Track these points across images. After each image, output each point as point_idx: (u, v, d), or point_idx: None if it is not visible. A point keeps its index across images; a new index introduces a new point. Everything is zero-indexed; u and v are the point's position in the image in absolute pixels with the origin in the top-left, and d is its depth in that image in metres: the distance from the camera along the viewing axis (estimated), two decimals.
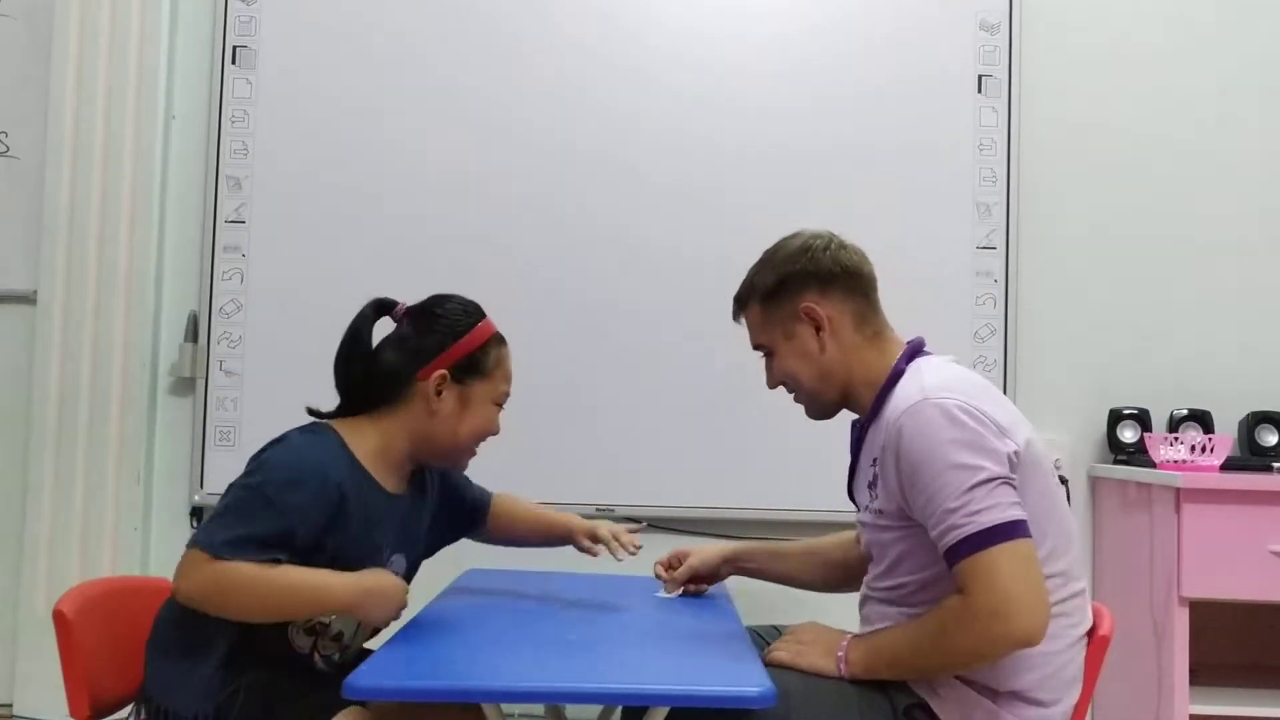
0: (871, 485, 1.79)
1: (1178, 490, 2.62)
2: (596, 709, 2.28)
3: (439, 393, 1.84)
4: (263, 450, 1.77)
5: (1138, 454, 2.98)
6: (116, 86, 3.07)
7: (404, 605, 1.79)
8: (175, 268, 3.15)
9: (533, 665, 1.60)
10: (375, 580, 1.76)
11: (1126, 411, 3.07)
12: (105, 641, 1.83)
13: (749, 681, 1.50)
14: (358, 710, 1.64)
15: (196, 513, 3.09)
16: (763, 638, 2.01)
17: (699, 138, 3.12)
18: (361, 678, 1.45)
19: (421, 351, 1.85)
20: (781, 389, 1.92)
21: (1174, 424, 3.04)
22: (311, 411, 1.89)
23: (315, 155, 3.11)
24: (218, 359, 3.08)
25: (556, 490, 3.03)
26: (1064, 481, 3.05)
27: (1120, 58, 3.20)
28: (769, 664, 1.70)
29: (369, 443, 1.84)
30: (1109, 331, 3.17)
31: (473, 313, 1.92)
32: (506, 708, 1.58)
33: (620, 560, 2.07)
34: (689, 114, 3.12)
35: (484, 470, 3.01)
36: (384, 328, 1.94)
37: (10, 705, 2.99)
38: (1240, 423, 3.08)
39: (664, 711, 1.55)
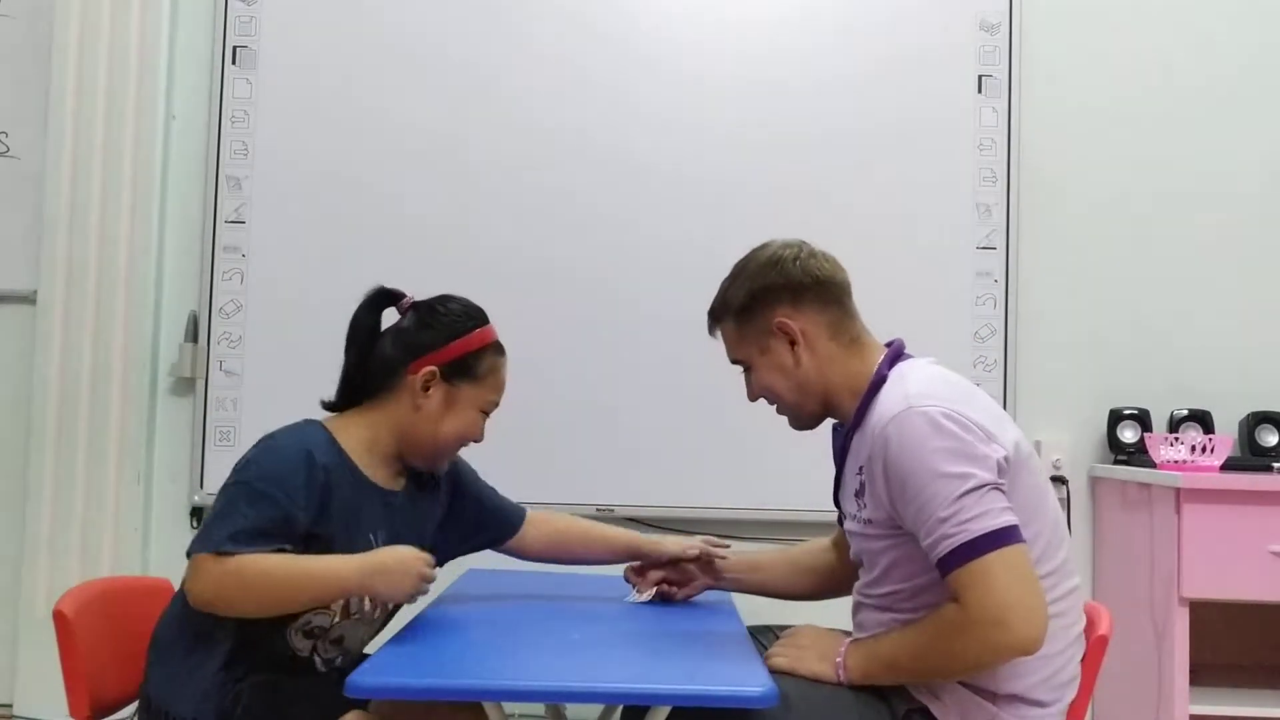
0: (859, 494, 1.78)
1: (1178, 490, 2.62)
2: (597, 709, 2.28)
3: (426, 388, 1.83)
4: (248, 452, 1.77)
5: (1138, 454, 2.98)
6: (117, 86, 3.07)
7: (425, 579, 1.74)
8: (175, 268, 3.15)
9: (534, 664, 1.60)
10: (387, 555, 1.73)
11: (1127, 411, 3.07)
12: (105, 641, 1.83)
13: (751, 682, 1.50)
14: (361, 714, 1.64)
15: (196, 513, 3.09)
16: (759, 640, 2.01)
17: (695, 140, 3.12)
18: (363, 676, 1.45)
19: (416, 345, 1.85)
20: (763, 401, 1.91)
21: (1174, 424, 3.04)
22: (323, 404, 1.90)
23: (315, 155, 3.11)
24: (218, 359, 3.08)
25: (557, 490, 3.04)
26: (1064, 481, 3.08)
27: (1120, 57, 3.20)
28: (767, 670, 1.70)
29: (356, 435, 1.84)
30: (1109, 331, 3.17)
31: (474, 316, 1.91)
32: (508, 707, 1.58)
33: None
34: (684, 116, 3.12)
35: (485, 471, 3.01)
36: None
37: (10, 705, 2.99)
38: (1240, 423, 3.09)
39: (665, 711, 1.55)
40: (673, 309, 3.07)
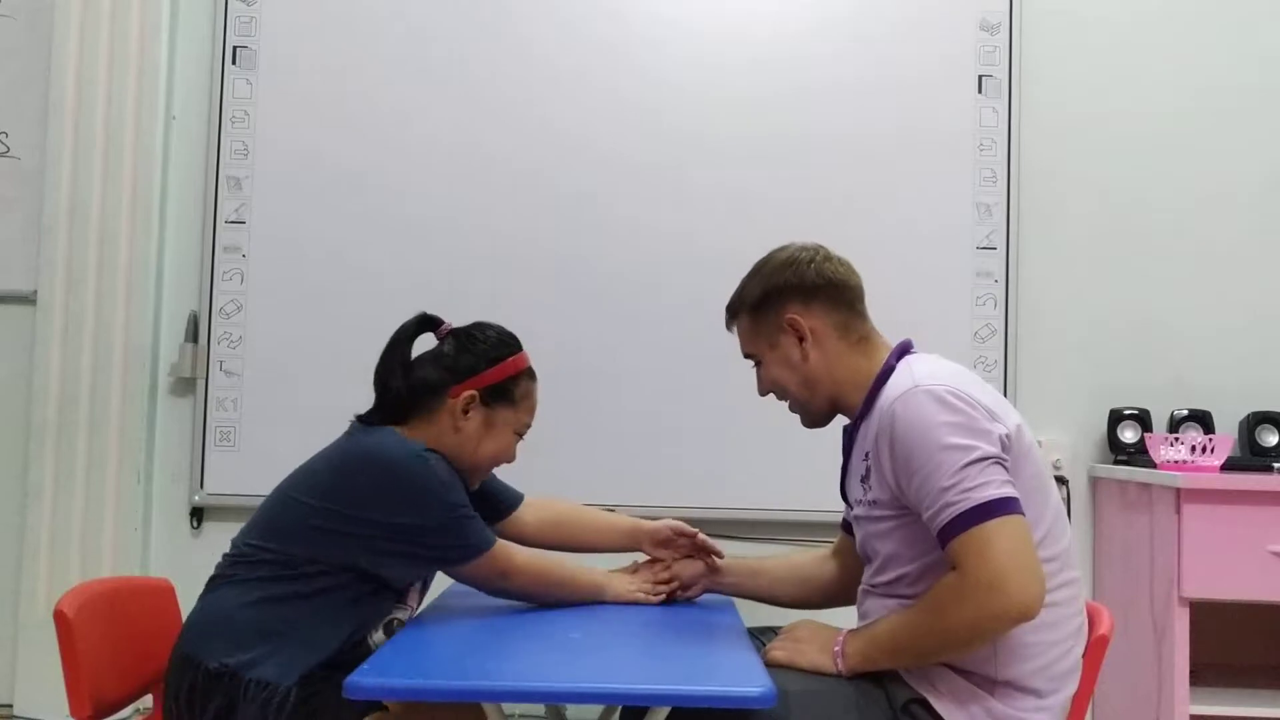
0: (864, 478, 1.81)
1: (1178, 490, 2.62)
2: (597, 709, 2.28)
3: (466, 411, 1.93)
4: (397, 477, 1.80)
5: (1138, 454, 2.98)
6: (117, 87, 3.07)
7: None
8: (175, 268, 3.15)
9: (533, 665, 1.60)
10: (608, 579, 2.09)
11: (1127, 412, 3.07)
12: (106, 641, 1.83)
13: (750, 681, 1.50)
14: (381, 714, 1.69)
15: (196, 513, 3.09)
16: (759, 640, 2.01)
17: (696, 142, 3.12)
18: (363, 677, 1.45)
19: (457, 370, 1.95)
20: (773, 396, 1.96)
21: (1174, 424, 3.04)
22: (360, 417, 1.98)
23: (316, 155, 3.11)
24: (218, 359, 3.08)
25: (557, 490, 3.03)
26: (1064, 481, 3.08)
27: (1121, 57, 3.20)
28: (766, 664, 1.71)
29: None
30: (1109, 332, 3.17)
31: (510, 343, 2.03)
32: (507, 707, 1.58)
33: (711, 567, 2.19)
34: (684, 119, 3.12)
35: None
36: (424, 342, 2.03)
37: (11, 705, 2.99)
38: (1241, 423, 3.08)
39: (664, 711, 1.55)
40: (673, 309, 3.08)
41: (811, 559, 2.20)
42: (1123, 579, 2.92)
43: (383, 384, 1.97)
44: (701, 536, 2.21)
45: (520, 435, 2.04)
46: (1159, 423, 3.08)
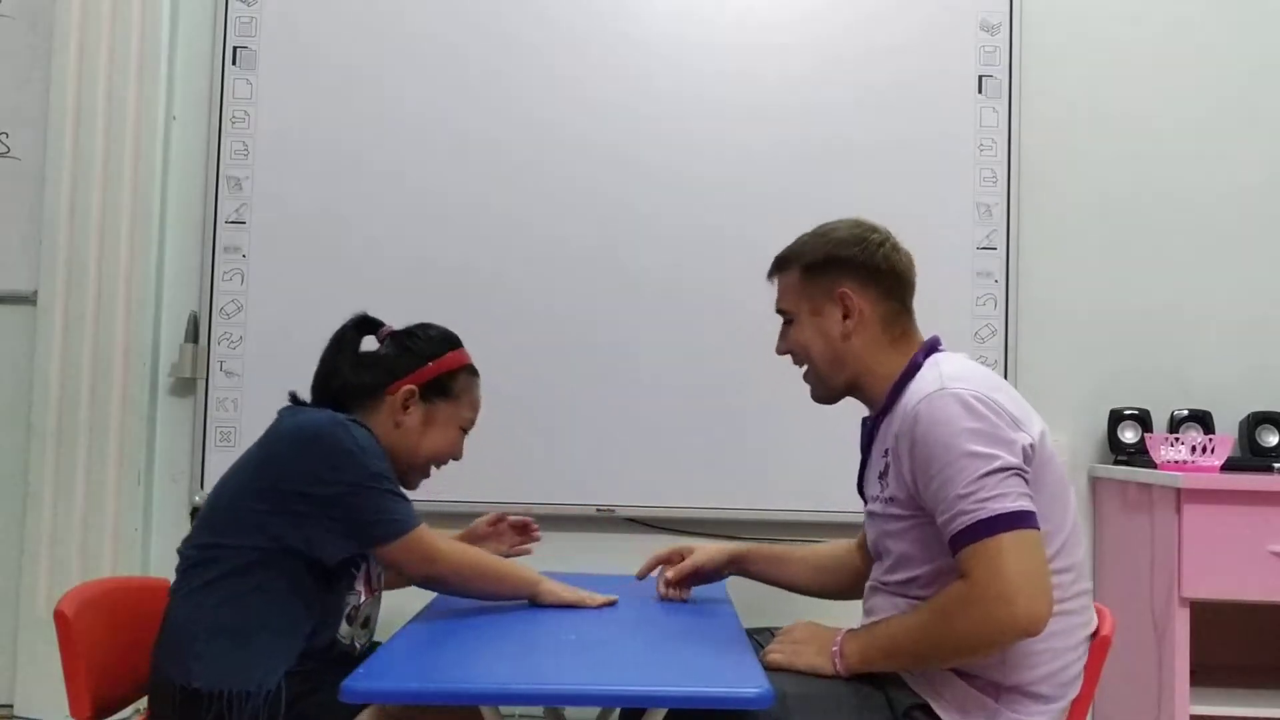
0: (883, 475, 1.80)
1: (1178, 491, 2.62)
2: (595, 710, 2.28)
3: (406, 407, 1.96)
4: (318, 444, 1.81)
5: (1138, 454, 2.98)
6: (117, 87, 3.07)
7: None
8: (176, 268, 3.15)
9: (531, 667, 1.60)
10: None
11: (1127, 412, 3.07)
12: (106, 641, 1.84)
13: (747, 682, 1.50)
14: (374, 710, 1.69)
15: (196, 513, 3.08)
16: (759, 642, 2.01)
17: (698, 139, 3.11)
18: (360, 680, 1.46)
19: (396, 368, 1.99)
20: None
21: (1175, 424, 3.04)
22: (294, 397, 1.99)
23: (316, 156, 3.11)
24: (218, 359, 3.08)
25: (557, 490, 3.04)
26: None
27: (1120, 58, 3.20)
28: (765, 666, 1.70)
29: None
30: (1109, 332, 3.17)
31: (450, 340, 2.07)
32: (505, 710, 1.58)
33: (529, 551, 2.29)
34: (687, 114, 3.12)
35: (486, 471, 3.02)
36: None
37: (11, 705, 3.00)
38: (1241, 423, 3.08)
39: (662, 712, 1.55)
40: (673, 309, 3.08)
41: (834, 550, 2.20)
42: (1123, 579, 2.91)
43: (322, 382, 1.99)
44: (512, 517, 2.30)
45: (465, 431, 2.06)
46: (1159, 423, 3.08)
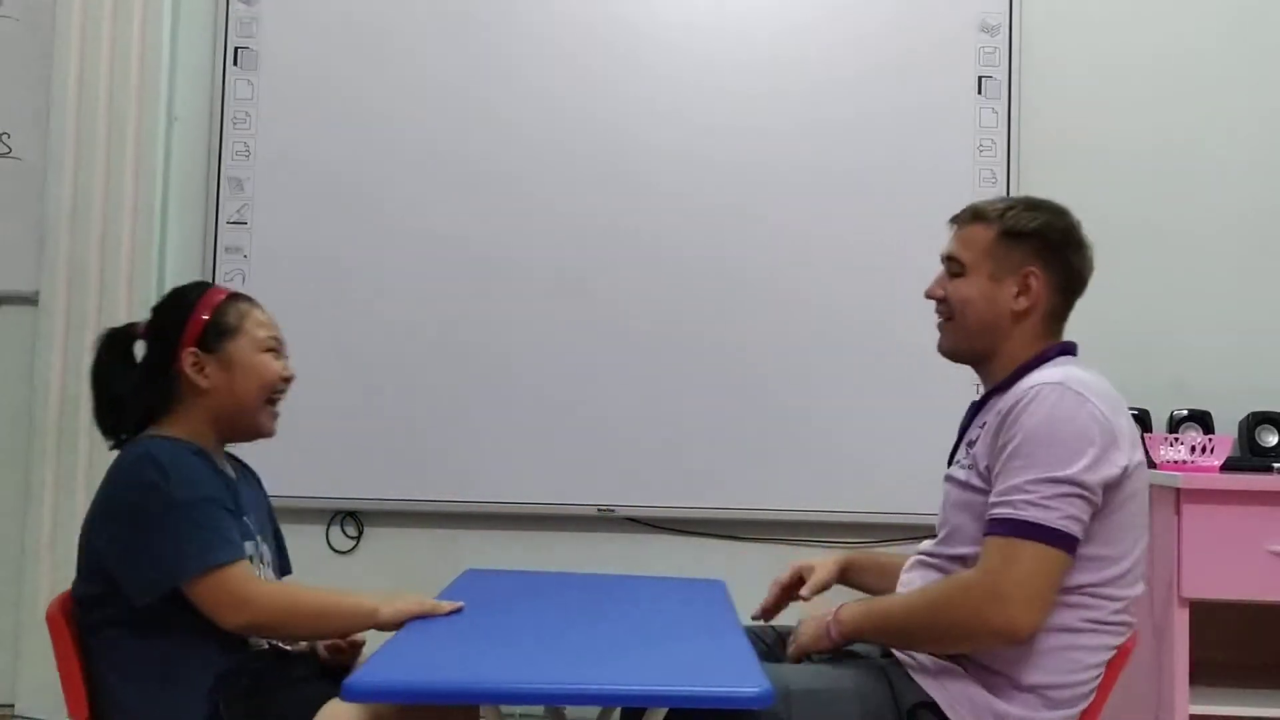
0: (972, 443, 1.79)
1: (1178, 491, 2.61)
2: (596, 709, 2.28)
3: (201, 370, 1.85)
4: (123, 481, 1.75)
5: None
6: (118, 88, 3.08)
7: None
8: (177, 269, 3.15)
9: (531, 666, 1.60)
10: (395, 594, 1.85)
11: (1129, 410, 3.06)
12: None
13: (747, 682, 1.49)
14: (340, 701, 1.65)
15: None
16: (762, 640, 2.01)
17: (698, 135, 3.12)
18: (361, 678, 1.45)
19: (166, 346, 1.87)
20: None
21: (1174, 424, 3.04)
22: (113, 444, 1.88)
23: (317, 156, 3.12)
24: None
25: (558, 490, 3.04)
26: None
27: (1120, 59, 3.20)
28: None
29: (185, 435, 1.85)
30: (1109, 332, 3.15)
31: (194, 289, 1.95)
32: (505, 708, 1.58)
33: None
34: (687, 108, 3.13)
35: (486, 471, 3.02)
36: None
37: (12, 705, 3.00)
38: (1240, 423, 3.08)
39: (662, 712, 1.55)
40: (674, 310, 3.08)
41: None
42: None
43: (116, 404, 1.88)
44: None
45: (273, 350, 1.94)
46: (1159, 423, 3.08)
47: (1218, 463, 2.72)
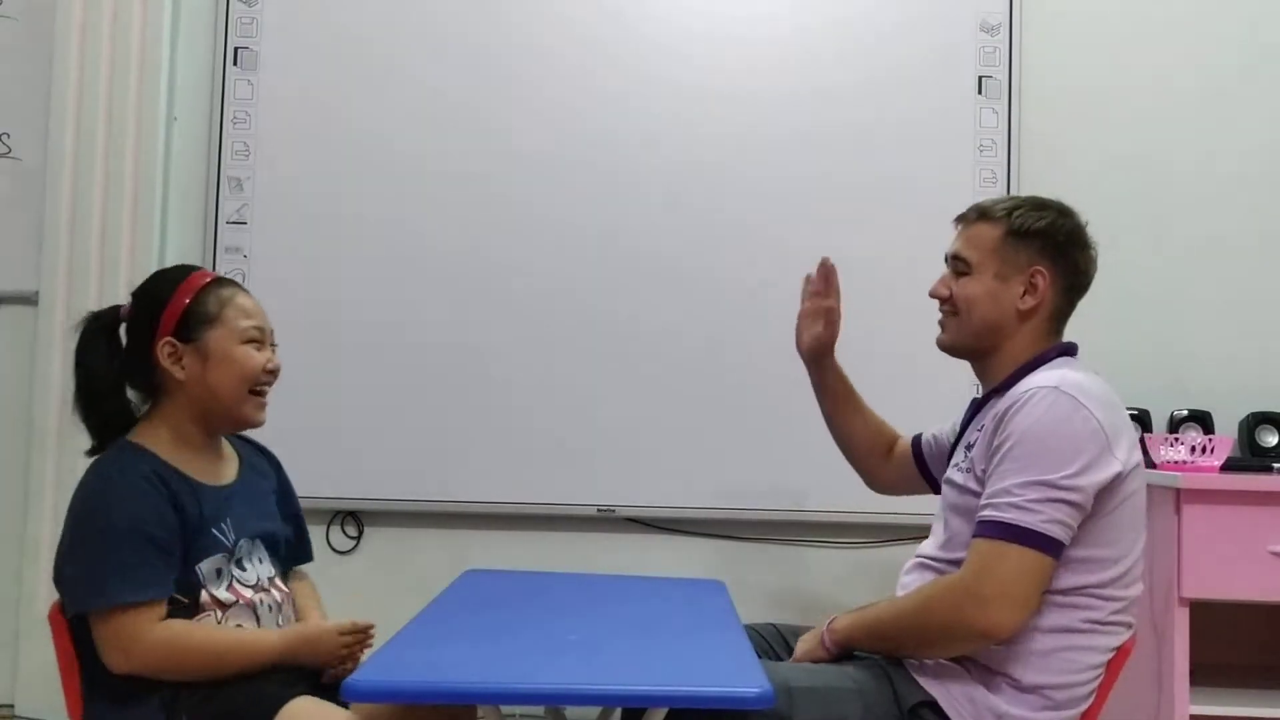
0: (970, 446, 1.81)
1: (1178, 491, 2.61)
2: (596, 709, 2.28)
3: (179, 360, 1.79)
4: (77, 494, 1.72)
5: None
6: (118, 87, 3.07)
7: (349, 645, 1.80)
8: None
9: (532, 666, 1.60)
10: (309, 628, 1.82)
11: (1127, 412, 3.06)
12: None
13: (747, 682, 1.50)
14: (309, 699, 1.66)
15: None
16: (762, 637, 2.02)
17: (698, 136, 3.11)
18: (361, 679, 1.46)
19: (144, 334, 1.80)
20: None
21: (1174, 425, 3.04)
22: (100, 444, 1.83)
23: (317, 156, 3.11)
24: None
25: (558, 490, 3.04)
26: None
27: (1120, 59, 3.20)
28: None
29: (163, 437, 1.81)
30: (1109, 332, 3.16)
31: (175, 273, 1.87)
32: (505, 709, 1.58)
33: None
34: (687, 109, 3.12)
35: (487, 471, 3.02)
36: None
37: (12, 705, 3.00)
38: (1240, 423, 3.08)
39: (662, 712, 1.55)
40: (673, 310, 3.08)
41: (885, 429, 2.23)
42: None
43: (96, 394, 1.81)
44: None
45: (255, 340, 1.86)
46: (1159, 423, 3.08)
47: (1218, 463, 2.72)
